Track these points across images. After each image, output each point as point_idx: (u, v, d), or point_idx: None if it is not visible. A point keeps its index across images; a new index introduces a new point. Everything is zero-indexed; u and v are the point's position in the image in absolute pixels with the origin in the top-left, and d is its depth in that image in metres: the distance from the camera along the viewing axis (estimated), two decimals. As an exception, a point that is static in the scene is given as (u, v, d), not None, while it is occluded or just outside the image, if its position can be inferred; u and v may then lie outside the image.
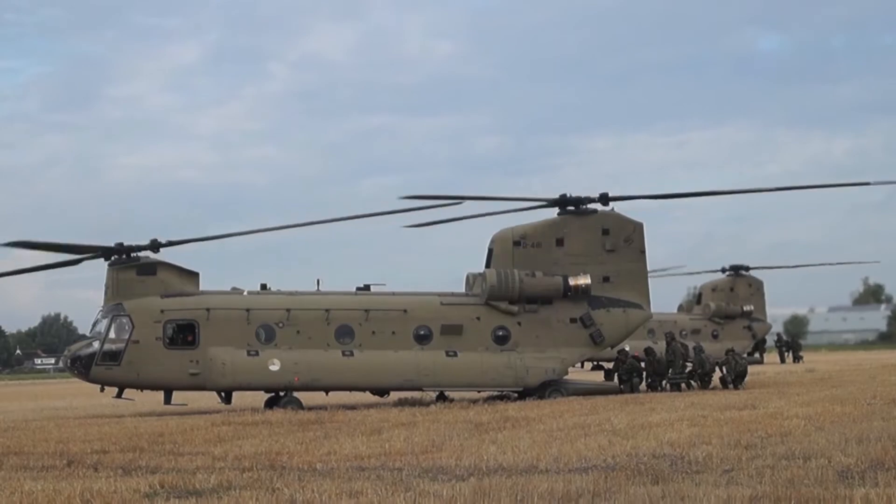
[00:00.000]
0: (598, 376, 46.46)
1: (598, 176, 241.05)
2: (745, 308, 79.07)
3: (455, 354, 38.79)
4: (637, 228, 40.94)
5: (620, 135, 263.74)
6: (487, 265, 40.14)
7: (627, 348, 44.81)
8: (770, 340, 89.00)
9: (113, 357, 37.22)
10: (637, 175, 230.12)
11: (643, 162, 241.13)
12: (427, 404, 36.58)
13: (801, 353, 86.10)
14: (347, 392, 39.87)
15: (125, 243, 38.52)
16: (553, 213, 40.97)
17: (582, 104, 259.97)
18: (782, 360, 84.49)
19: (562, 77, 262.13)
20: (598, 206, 40.70)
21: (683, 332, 73.01)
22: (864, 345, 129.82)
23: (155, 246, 38.62)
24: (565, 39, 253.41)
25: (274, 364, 37.61)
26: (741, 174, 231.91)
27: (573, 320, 39.94)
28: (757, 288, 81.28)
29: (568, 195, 40.47)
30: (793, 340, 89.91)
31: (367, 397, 40.24)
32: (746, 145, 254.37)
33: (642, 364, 42.53)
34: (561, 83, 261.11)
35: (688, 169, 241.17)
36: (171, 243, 38.92)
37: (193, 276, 38.77)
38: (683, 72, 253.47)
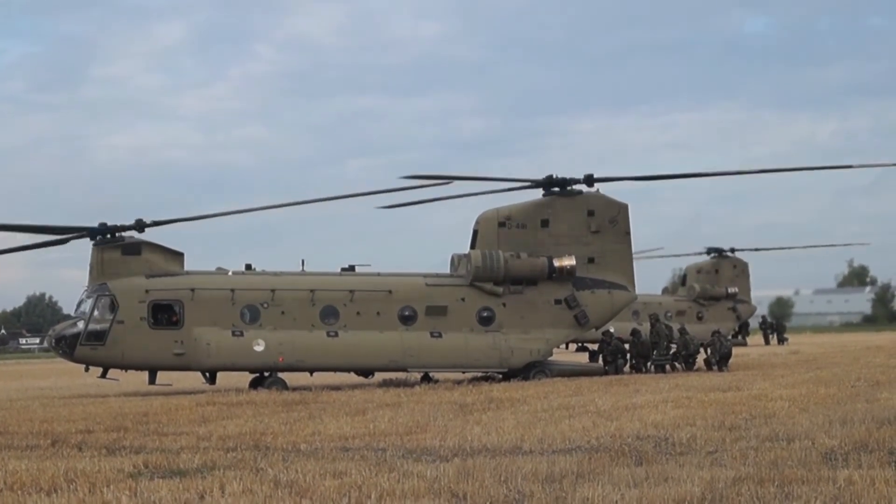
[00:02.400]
0: (583, 357, 46.54)
1: (585, 157, 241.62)
2: (729, 290, 79.07)
3: (440, 335, 38.80)
4: (622, 210, 40.99)
5: (607, 116, 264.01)
6: (472, 246, 40.13)
7: (612, 330, 44.79)
8: (754, 322, 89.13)
9: (98, 337, 37.15)
10: (623, 157, 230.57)
11: (630, 143, 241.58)
12: (412, 385, 36.62)
13: (785, 335, 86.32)
14: (332, 373, 39.87)
15: (108, 223, 38.44)
16: (538, 194, 40.99)
17: (569, 86, 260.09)
18: (766, 342, 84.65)
19: (549, 59, 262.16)
20: (584, 188, 40.75)
21: (668, 314, 73.09)
22: (848, 327, 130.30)
23: (140, 226, 38.52)
24: (553, 21, 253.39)
25: (259, 344, 37.57)
26: (728, 156, 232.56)
27: (558, 301, 39.98)
28: (742, 270, 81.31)
29: (554, 176, 40.51)
30: (777, 322, 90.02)
31: (352, 378, 40.26)
32: (733, 127, 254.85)
33: (626, 345, 42.64)
34: (548, 65, 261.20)
35: (674, 151, 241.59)
36: (156, 223, 38.81)
37: (178, 256, 38.69)
38: (670, 53, 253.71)
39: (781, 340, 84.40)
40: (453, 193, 40.97)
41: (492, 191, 40.96)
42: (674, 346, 43.55)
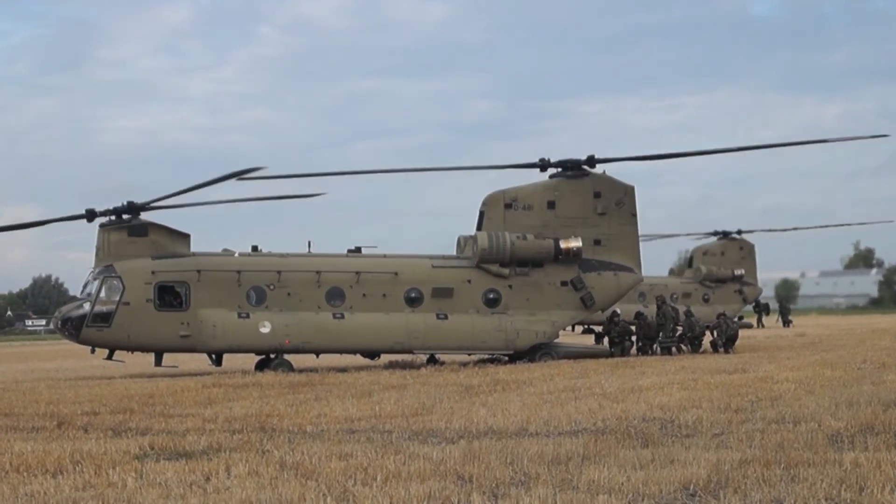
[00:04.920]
0: (589, 339, 46.53)
1: (590, 140, 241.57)
2: (736, 272, 78.83)
3: (446, 317, 38.80)
4: (629, 192, 40.92)
5: (612, 99, 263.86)
6: (479, 228, 40.09)
7: (619, 311, 44.74)
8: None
9: (104, 318, 37.15)
10: (629, 139, 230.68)
11: (635, 126, 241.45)
12: (418, 367, 36.61)
13: (790, 318, 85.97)
14: (338, 354, 39.88)
15: (97, 209, 38.40)
16: (544, 175, 40.93)
17: (574, 68, 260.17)
18: (758, 325, 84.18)
19: (554, 41, 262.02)
20: (590, 169, 40.62)
21: (674, 296, 72.93)
22: (854, 309, 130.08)
23: (134, 209, 38.36)
24: (558, 3, 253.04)
25: (265, 326, 37.59)
26: (733, 139, 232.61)
27: (564, 283, 39.96)
28: (748, 252, 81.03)
29: (549, 159, 40.35)
30: (782, 305, 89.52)
31: (358, 360, 40.27)
32: (739, 110, 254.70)
33: (633, 327, 42.62)
34: (553, 47, 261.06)
35: (680, 133, 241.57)
36: (147, 206, 38.57)
37: (185, 237, 38.68)
38: (676, 36, 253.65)
39: (786, 323, 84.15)
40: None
41: (492, 166, 40.97)
42: (680, 328, 43.52)
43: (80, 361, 49.36)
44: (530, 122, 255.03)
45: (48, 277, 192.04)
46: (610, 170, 40.92)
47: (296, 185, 40.89)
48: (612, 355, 40.70)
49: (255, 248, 39.74)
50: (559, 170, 40.50)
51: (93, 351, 38.90)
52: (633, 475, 12.84)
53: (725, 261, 79.38)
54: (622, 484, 12.41)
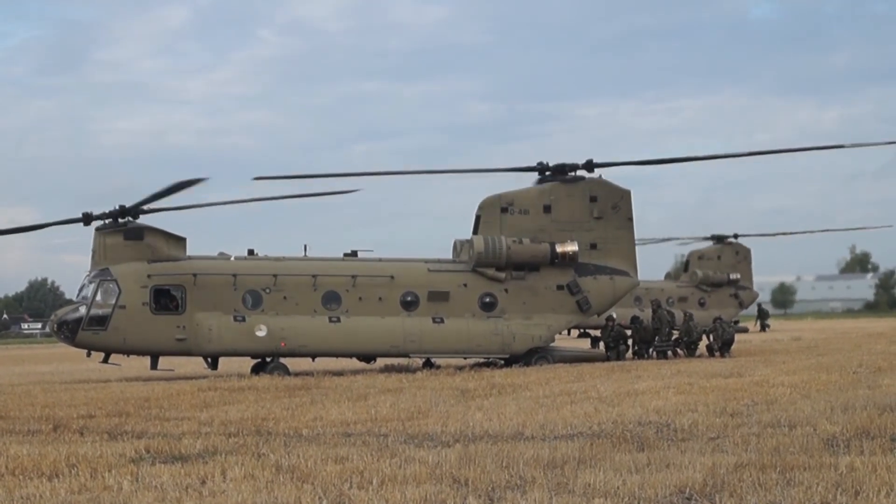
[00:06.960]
0: (585, 343, 46.45)
1: (589, 143, 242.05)
2: (731, 276, 78.89)
3: (442, 321, 38.78)
4: (624, 196, 40.91)
5: (612, 102, 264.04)
6: (475, 232, 40.09)
7: (615, 315, 44.73)
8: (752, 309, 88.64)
9: (100, 322, 37.10)
10: (628, 142, 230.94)
11: (634, 129, 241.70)
12: (413, 371, 36.59)
13: (768, 322, 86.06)
14: (334, 358, 39.87)
15: (93, 212, 38.38)
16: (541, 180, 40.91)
17: (573, 71, 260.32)
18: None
19: (554, 43, 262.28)
20: (585, 173, 40.64)
21: (670, 300, 72.95)
22: (850, 313, 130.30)
23: (134, 212, 38.31)
24: (557, 5, 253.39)
25: (261, 330, 37.56)
26: (732, 141, 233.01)
27: (560, 287, 39.95)
28: (744, 256, 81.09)
29: (547, 163, 40.38)
30: (760, 308, 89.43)
31: (354, 363, 40.25)
32: (738, 113, 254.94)
33: (628, 331, 42.61)
34: (553, 50, 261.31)
35: (679, 136, 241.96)
36: (149, 210, 38.57)
37: (181, 241, 38.62)
38: (676, 39, 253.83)
39: (764, 327, 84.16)
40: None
41: (488, 170, 40.95)
42: (676, 332, 43.52)
43: (76, 365, 49.30)
44: (529, 124, 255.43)
45: (44, 281, 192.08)
46: (606, 173, 40.93)
47: (293, 183, 40.74)
48: (607, 359, 40.69)
49: (251, 252, 39.74)
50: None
51: (88, 354, 38.82)
52: (629, 479, 12.84)
53: (721, 265, 79.44)
54: (618, 488, 12.42)
